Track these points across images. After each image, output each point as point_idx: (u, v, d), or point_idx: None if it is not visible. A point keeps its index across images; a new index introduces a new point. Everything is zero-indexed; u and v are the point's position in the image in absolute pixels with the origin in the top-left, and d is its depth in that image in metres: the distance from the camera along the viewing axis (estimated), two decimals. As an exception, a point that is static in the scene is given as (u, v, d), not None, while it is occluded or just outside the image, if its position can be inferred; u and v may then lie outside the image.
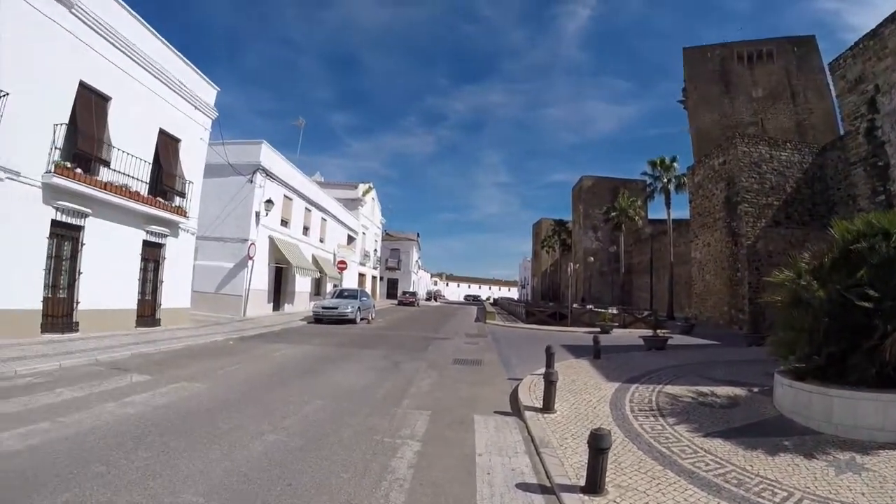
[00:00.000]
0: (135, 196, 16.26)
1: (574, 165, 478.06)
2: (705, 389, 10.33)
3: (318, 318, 26.56)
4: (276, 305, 30.93)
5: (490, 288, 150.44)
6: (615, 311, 32.82)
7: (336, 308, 26.73)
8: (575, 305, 36.30)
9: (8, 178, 12.65)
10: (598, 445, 5.01)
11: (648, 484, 5.39)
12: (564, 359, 14.19)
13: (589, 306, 40.09)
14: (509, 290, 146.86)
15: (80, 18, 14.20)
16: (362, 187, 51.21)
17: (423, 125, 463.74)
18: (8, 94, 11.99)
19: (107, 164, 15.33)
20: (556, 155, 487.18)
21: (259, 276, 27.08)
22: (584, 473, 5.28)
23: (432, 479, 5.61)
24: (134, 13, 16.30)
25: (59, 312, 14.69)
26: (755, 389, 10.22)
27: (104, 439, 6.38)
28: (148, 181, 17.00)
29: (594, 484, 5.07)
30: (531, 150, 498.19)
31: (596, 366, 13.40)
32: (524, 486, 5.50)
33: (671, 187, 43.84)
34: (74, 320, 15.02)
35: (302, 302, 33.76)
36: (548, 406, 8.47)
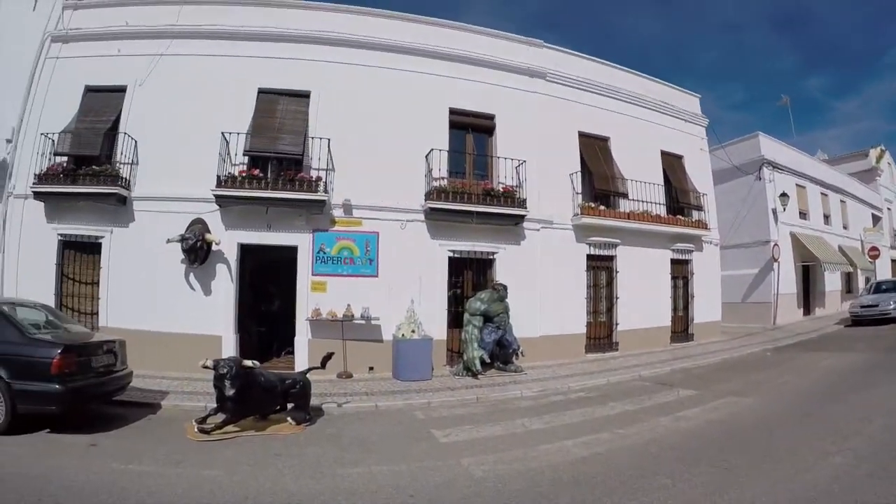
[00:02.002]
0: (656, 219, 15.70)
1: None
2: None
3: (855, 320, 21.05)
4: (806, 309, 25.88)
5: None
6: None
7: (876, 306, 20.57)
8: None
9: (543, 227, 13.82)
10: None
11: None
12: None
13: None
14: None
15: (558, 83, 14.85)
16: (873, 153, 38.34)
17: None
18: (525, 161, 13.19)
19: (624, 195, 15.25)
20: None
21: (785, 279, 23.08)
22: None
23: None
24: (599, 59, 16.28)
25: (600, 334, 15.02)
26: None
27: (663, 452, 6.13)
28: (664, 202, 16.33)
29: None
30: None
31: None
32: None
33: None
34: (614, 340, 15.12)
35: (833, 303, 27.45)
36: None
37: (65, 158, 11.67)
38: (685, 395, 9.51)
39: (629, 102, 16.32)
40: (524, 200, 12.87)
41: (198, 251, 10.91)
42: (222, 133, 11.17)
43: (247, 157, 11.52)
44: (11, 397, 6.50)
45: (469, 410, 8.60)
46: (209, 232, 11.16)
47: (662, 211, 15.97)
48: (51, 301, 10.86)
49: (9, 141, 11.90)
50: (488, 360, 11.49)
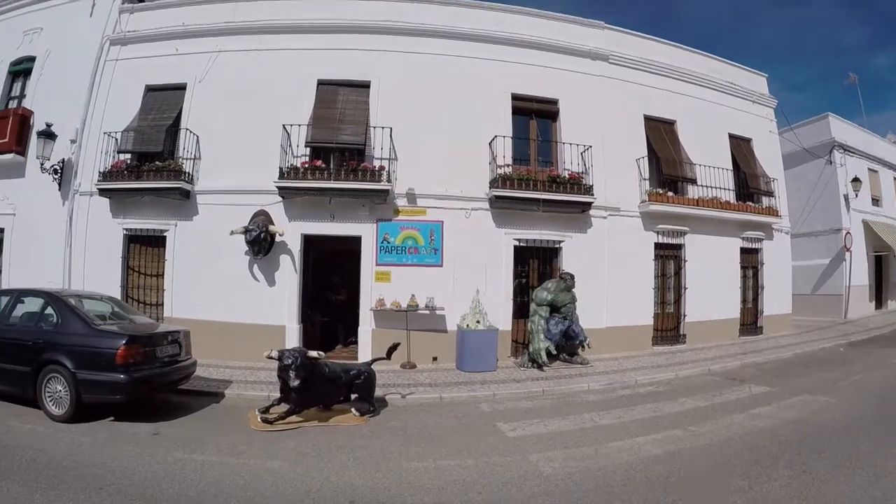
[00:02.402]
0: (725, 205, 14.67)
1: None
2: None
3: None
4: (879, 303, 23.87)
5: None
6: None
7: None
8: None
9: (609, 214, 12.97)
10: None
11: None
12: None
13: None
14: None
15: (621, 66, 14.06)
16: (947, 135, 36.90)
17: None
18: (590, 146, 12.46)
19: (692, 181, 14.27)
20: None
21: (858, 270, 21.34)
22: None
23: None
24: (661, 39, 15.36)
25: (667, 326, 14.09)
26: None
27: (739, 452, 5.78)
28: (733, 188, 15.28)
29: None
30: None
31: None
32: None
33: None
34: (681, 332, 14.17)
35: (905, 296, 25.86)
36: None
37: (128, 156, 11.60)
38: (758, 391, 8.98)
39: (694, 84, 15.33)
40: (591, 187, 12.11)
41: (262, 242, 10.75)
42: (283, 125, 10.98)
43: (308, 149, 11.22)
44: (76, 387, 6.41)
45: (535, 403, 8.28)
46: (272, 223, 11.00)
47: (731, 197, 14.93)
48: (117, 293, 10.91)
49: (73, 141, 11.90)
50: (555, 352, 10.92)
